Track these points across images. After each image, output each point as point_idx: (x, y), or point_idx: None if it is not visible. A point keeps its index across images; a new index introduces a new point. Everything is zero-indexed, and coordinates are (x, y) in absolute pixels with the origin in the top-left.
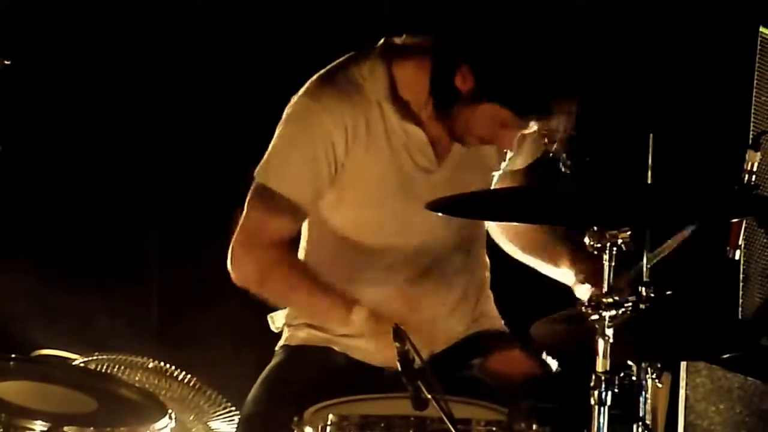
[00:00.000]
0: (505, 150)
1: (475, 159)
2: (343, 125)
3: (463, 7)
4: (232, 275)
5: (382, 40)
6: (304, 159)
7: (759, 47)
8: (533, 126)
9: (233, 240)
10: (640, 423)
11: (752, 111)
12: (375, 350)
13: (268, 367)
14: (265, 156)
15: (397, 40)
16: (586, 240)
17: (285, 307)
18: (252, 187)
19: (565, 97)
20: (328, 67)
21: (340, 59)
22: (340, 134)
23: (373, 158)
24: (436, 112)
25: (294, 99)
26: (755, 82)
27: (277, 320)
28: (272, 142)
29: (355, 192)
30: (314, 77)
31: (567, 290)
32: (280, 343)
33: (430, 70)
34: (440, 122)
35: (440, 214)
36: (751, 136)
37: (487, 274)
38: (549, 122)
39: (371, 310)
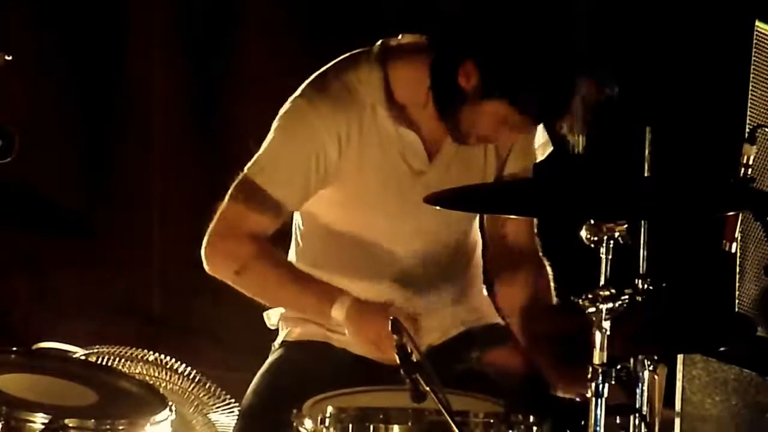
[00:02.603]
0: (494, 147)
1: (463, 158)
2: (336, 133)
3: (465, 2)
4: (206, 264)
5: (378, 43)
6: (295, 161)
7: (755, 41)
8: (537, 129)
9: (210, 229)
10: (637, 414)
11: (748, 105)
12: (356, 345)
13: (268, 361)
14: (259, 152)
15: (394, 42)
16: (583, 233)
17: (262, 301)
18: (237, 180)
19: (573, 100)
20: (324, 69)
21: (337, 61)
22: (333, 142)
23: (367, 162)
24: (439, 113)
25: (291, 99)
26: (751, 76)
27: (272, 317)
28: (266, 140)
29: (350, 198)
30: (311, 79)
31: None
32: (278, 339)
33: (428, 68)
34: (442, 122)
35: (435, 216)
36: (747, 130)
37: (480, 271)
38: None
39: (355, 300)
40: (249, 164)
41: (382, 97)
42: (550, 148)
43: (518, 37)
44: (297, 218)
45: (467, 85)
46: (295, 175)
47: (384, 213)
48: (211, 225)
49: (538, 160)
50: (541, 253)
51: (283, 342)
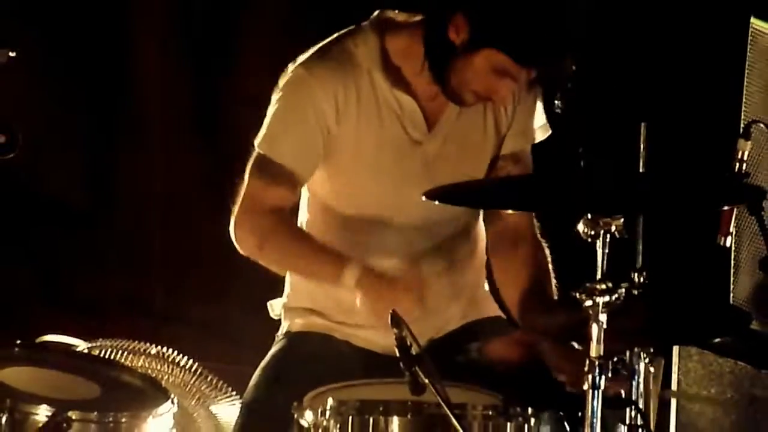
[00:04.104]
0: (498, 111)
1: (462, 130)
2: (333, 94)
3: None
4: (235, 243)
5: (375, 13)
6: (299, 128)
7: (750, 38)
8: (529, 75)
9: (235, 208)
10: (633, 406)
11: (743, 100)
12: (367, 312)
13: (270, 354)
14: (264, 125)
15: (391, 14)
16: (580, 228)
17: (284, 273)
18: (252, 156)
19: (561, 46)
20: (324, 41)
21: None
22: (331, 104)
23: (365, 128)
24: (432, 74)
25: (289, 68)
26: (746, 72)
27: (275, 307)
28: (269, 111)
29: (349, 165)
30: (312, 49)
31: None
32: (281, 330)
33: (422, 37)
34: (436, 84)
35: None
36: (741, 126)
37: (483, 263)
38: (545, 72)
39: (366, 268)
40: (257, 138)
41: (379, 62)
42: (549, 132)
43: None
44: (302, 203)
45: (458, 39)
46: (301, 142)
47: (382, 183)
48: (236, 204)
49: (537, 141)
50: (539, 235)
51: (285, 333)
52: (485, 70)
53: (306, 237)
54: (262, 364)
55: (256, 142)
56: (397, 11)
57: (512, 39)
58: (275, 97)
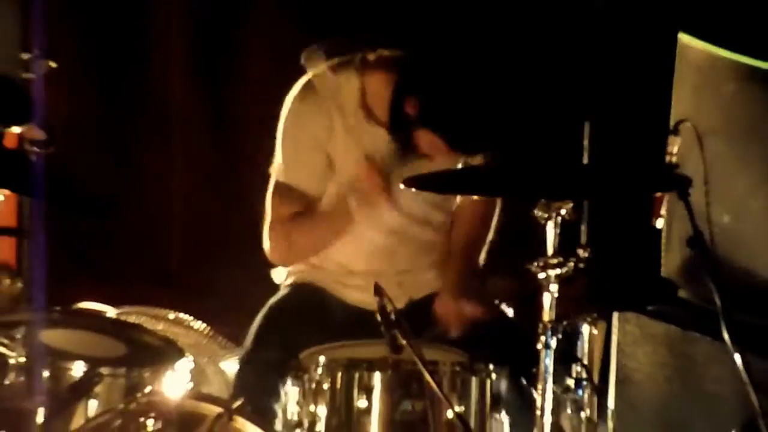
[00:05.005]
0: None
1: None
2: (323, 122)
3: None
4: (269, 257)
5: (359, 55)
6: (304, 154)
7: (678, 49)
8: (461, 160)
9: (264, 230)
10: (579, 363)
11: (672, 103)
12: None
13: (268, 304)
14: (276, 153)
15: (371, 57)
16: (536, 211)
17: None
18: (270, 183)
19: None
20: (314, 73)
21: (325, 65)
22: (324, 131)
23: (349, 150)
24: (392, 131)
25: (287, 100)
26: (675, 78)
27: (280, 272)
28: (278, 139)
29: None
30: (303, 80)
31: None
32: (285, 281)
33: (393, 84)
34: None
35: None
36: (671, 124)
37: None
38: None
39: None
40: (272, 166)
41: (357, 101)
42: None
43: (449, 84)
44: None
45: (412, 112)
46: (307, 166)
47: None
48: (264, 235)
49: None
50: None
51: (287, 283)
52: (427, 142)
53: (313, 212)
54: (261, 314)
55: (272, 169)
56: (377, 50)
57: (448, 128)
58: (280, 125)
